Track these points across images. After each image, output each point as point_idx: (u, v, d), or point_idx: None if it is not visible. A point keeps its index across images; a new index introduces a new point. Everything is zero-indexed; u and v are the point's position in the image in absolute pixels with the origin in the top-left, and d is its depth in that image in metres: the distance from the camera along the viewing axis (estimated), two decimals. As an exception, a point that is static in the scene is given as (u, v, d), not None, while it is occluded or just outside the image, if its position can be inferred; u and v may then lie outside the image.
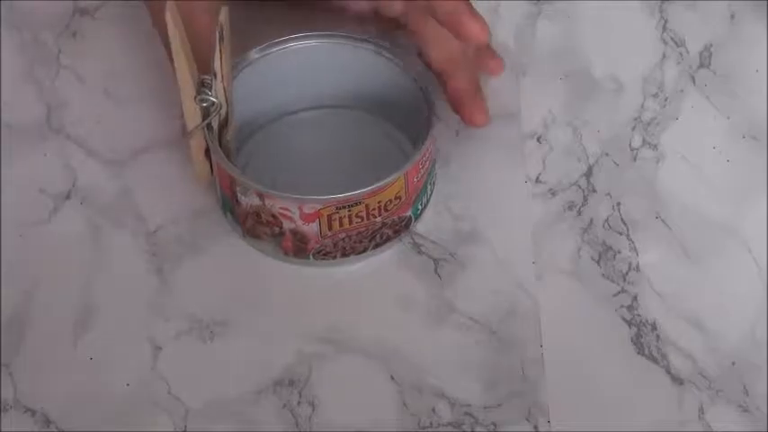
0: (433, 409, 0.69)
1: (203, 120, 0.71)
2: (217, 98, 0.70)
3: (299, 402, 0.69)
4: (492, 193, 0.76)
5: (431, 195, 0.75)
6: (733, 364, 0.70)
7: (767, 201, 0.76)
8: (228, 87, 0.70)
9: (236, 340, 0.71)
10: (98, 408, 0.69)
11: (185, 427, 0.68)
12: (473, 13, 0.71)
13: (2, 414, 0.69)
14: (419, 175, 0.72)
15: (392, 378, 0.70)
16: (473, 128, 0.77)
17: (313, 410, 0.69)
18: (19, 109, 0.79)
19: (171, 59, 0.70)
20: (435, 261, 0.74)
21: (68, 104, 0.80)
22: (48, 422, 0.68)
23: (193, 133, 0.72)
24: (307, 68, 0.76)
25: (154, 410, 0.69)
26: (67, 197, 0.76)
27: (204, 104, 0.71)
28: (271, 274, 0.73)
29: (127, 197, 0.76)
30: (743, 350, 0.71)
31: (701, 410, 0.69)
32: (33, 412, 0.69)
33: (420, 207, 0.74)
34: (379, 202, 0.70)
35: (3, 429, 0.68)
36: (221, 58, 0.69)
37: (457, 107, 0.77)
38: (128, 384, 0.70)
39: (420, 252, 0.74)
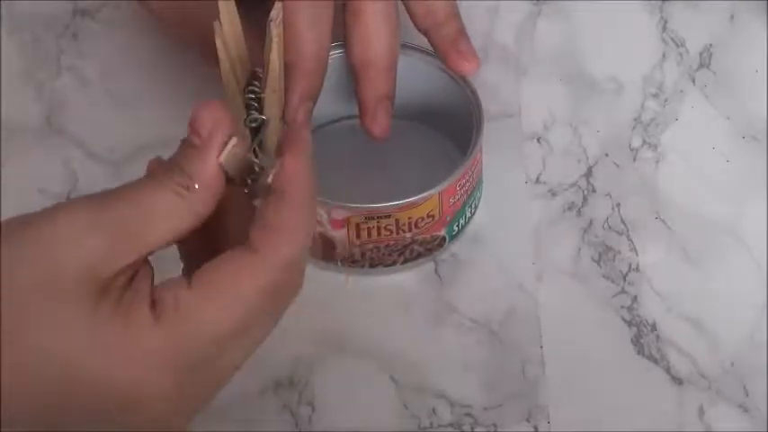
0: (434, 410, 0.69)
1: (253, 140, 0.70)
2: (265, 114, 0.69)
3: (299, 403, 0.69)
4: (492, 193, 0.76)
5: (470, 218, 0.74)
6: (732, 364, 0.70)
7: (767, 201, 0.76)
8: (280, 85, 0.69)
9: (236, 341, 0.71)
10: (98, 408, 0.69)
11: (186, 427, 0.68)
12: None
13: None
14: (456, 197, 0.71)
15: (392, 379, 0.70)
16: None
17: (313, 411, 0.69)
18: (19, 109, 0.79)
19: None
20: (435, 261, 0.74)
21: (68, 105, 0.80)
22: (48, 423, 0.68)
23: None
24: None
25: (154, 411, 0.69)
26: (68, 198, 0.76)
27: (254, 125, 0.70)
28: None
29: (127, 197, 0.76)
30: (743, 350, 0.71)
31: (701, 411, 0.69)
32: (34, 413, 0.69)
33: (456, 228, 0.73)
34: (409, 218, 0.70)
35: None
36: (269, 63, 0.67)
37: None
38: (128, 385, 0.70)
39: (420, 253, 0.74)
